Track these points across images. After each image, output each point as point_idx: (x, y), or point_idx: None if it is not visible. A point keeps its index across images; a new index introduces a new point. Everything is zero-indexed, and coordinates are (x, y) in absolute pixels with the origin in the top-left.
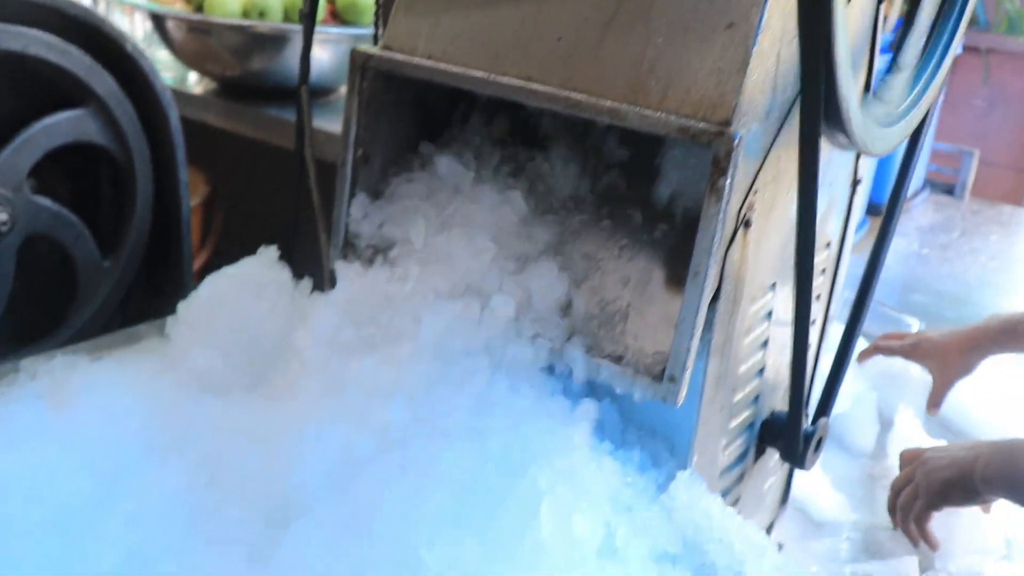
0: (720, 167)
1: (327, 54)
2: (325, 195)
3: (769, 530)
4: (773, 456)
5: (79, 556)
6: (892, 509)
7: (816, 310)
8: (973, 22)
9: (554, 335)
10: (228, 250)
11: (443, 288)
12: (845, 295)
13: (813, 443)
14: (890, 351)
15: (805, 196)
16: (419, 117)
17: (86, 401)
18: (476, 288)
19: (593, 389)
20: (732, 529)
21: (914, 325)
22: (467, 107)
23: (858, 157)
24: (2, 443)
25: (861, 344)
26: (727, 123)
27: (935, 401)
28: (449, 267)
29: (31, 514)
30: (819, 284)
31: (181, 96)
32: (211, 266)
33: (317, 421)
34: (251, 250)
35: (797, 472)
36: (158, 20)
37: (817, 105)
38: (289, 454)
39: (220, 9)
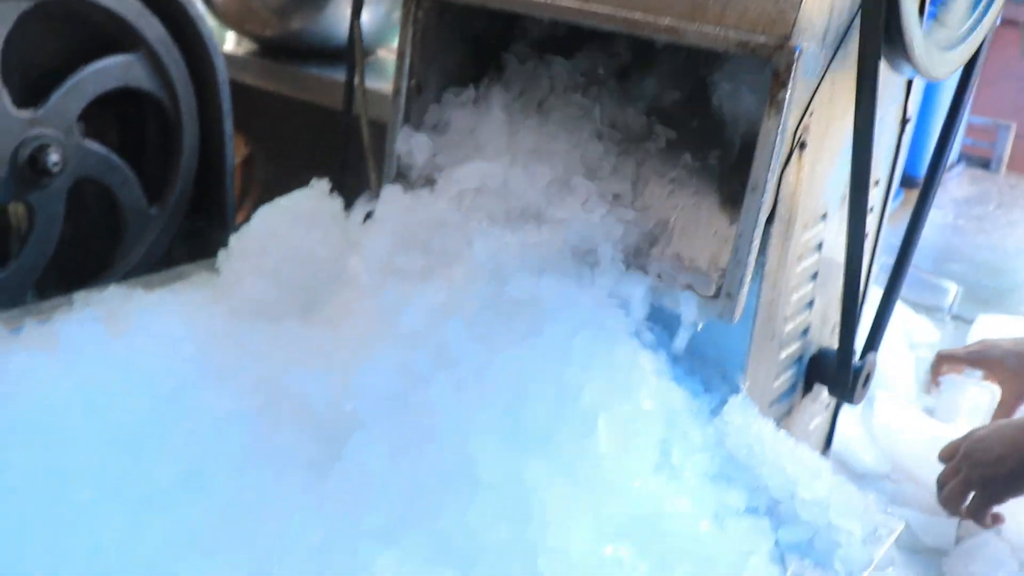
0: (780, 80)
1: (367, 15)
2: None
3: None
4: (820, 394)
5: (140, 471)
6: (944, 503)
7: (865, 248)
8: None
9: (611, 256)
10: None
11: (498, 213)
12: (883, 260)
13: (862, 378)
14: (955, 360)
15: (863, 118)
16: (471, 50)
17: (141, 328)
18: (532, 212)
19: (649, 314)
20: (784, 452)
21: (951, 289)
22: (519, 42)
23: (908, 94)
24: (63, 364)
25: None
26: (787, 38)
27: (1004, 415)
28: (503, 193)
29: (92, 431)
30: (869, 222)
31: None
32: None
33: (372, 341)
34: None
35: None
36: None
37: (877, 24)
38: (345, 374)
39: None
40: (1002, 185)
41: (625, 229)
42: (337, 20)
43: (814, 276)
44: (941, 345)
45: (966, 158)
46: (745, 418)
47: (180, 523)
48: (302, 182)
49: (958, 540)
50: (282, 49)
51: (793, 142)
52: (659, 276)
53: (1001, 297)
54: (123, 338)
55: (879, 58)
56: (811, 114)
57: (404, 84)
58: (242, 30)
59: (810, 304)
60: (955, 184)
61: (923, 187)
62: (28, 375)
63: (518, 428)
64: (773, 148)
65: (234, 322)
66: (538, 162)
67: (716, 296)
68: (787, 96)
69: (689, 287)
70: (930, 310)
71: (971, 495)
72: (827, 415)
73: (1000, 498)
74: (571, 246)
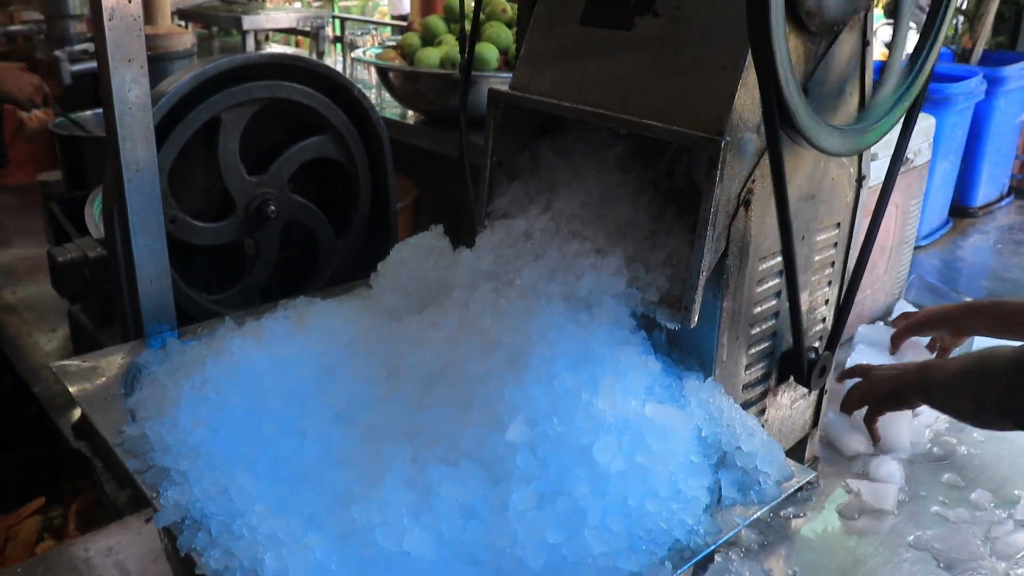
0: (712, 163)
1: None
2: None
3: (803, 444)
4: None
5: (307, 414)
6: (844, 407)
7: (832, 273)
8: None
9: (619, 284)
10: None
11: (547, 248)
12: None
13: (817, 370)
14: (905, 328)
15: (776, 181)
16: (534, 128)
17: (316, 322)
18: (568, 250)
19: (650, 321)
20: (736, 419)
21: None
22: (565, 123)
23: (860, 159)
24: (265, 345)
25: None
26: (721, 134)
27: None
28: (551, 233)
29: (279, 388)
30: (832, 254)
31: (400, 125)
32: None
33: (456, 332)
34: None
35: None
36: (383, 72)
37: (774, 115)
38: (437, 353)
39: (425, 62)
40: None
41: (631, 264)
42: (480, 97)
43: (778, 293)
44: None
45: (1016, 191)
46: (711, 395)
47: (329, 445)
48: (454, 217)
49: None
50: (441, 120)
51: (739, 201)
52: (650, 298)
53: None
54: (304, 330)
55: (779, 139)
56: (754, 181)
57: (489, 160)
58: (414, 106)
59: (776, 314)
60: (1003, 213)
61: (880, 195)
62: (244, 351)
63: (551, 371)
64: (710, 210)
65: (375, 320)
66: (575, 214)
67: (678, 309)
68: (717, 174)
69: (663, 303)
70: None
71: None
72: (811, 398)
73: (880, 409)
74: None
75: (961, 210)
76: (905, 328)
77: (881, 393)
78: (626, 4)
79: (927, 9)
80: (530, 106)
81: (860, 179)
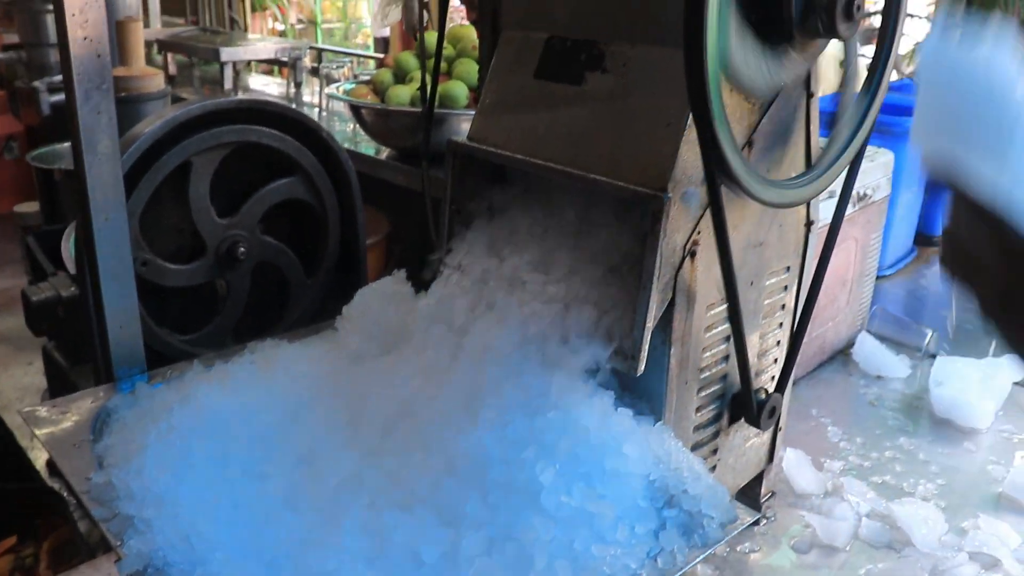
0: (656, 217)
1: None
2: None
3: (759, 480)
4: None
5: (273, 457)
6: None
7: (783, 314)
8: None
9: (571, 331)
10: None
11: (502, 296)
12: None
13: (766, 411)
14: None
15: (717, 231)
16: (493, 176)
17: (281, 366)
18: (522, 297)
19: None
20: (684, 462)
21: (928, 333)
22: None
23: (808, 205)
24: (230, 390)
25: (880, 348)
26: (664, 189)
27: None
28: (506, 281)
29: (243, 432)
30: (783, 297)
31: (373, 161)
32: None
33: (416, 376)
34: (420, 270)
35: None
36: (356, 110)
37: (712, 168)
38: (398, 391)
39: (395, 100)
40: None
41: (581, 313)
42: (451, 133)
43: (727, 338)
44: (909, 381)
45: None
46: (659, 439)
47: (291, 490)
48: (422, 251)
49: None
50: (413, 155)
51: (684, 252)
52: (602, 347)
53: (977, 339)
54: (269, 374)
55: (719, 194)
56: (699, 232)
57: (447, 208)
58: (386, 142)
59: (726, 358)
60: None
61: (827, 237)
62: (209, 397)
63: (504, 433)
64: (654, 262)
65: (339, 364)
66: (526, 258)
67: (626, 358)
68: (661, 228)
69: (613, 351)
70: (909, 349)
71: None
72: (765, 436)
73: None
74: (551, 323)
75: (925, 239)
76: None
77: None
78: (577, 60)
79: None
80: (485, 157)
81: (808, 224)
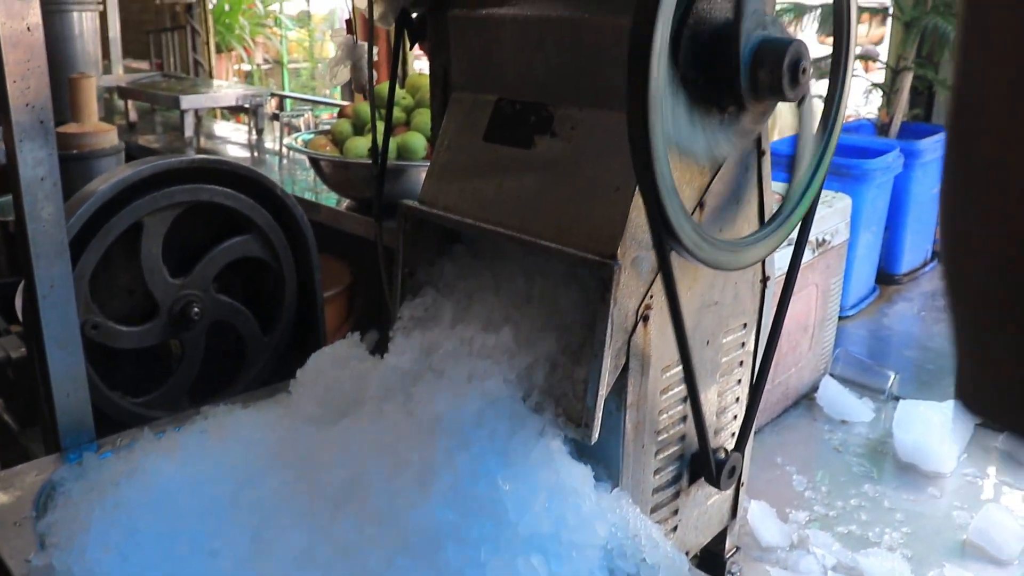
0: (606, 285)
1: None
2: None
3: (723, 536)
4: None
5: (223, 531)
6: None
7: (742, 371)
8: None
9: (524, 398)
10: (367, 323)
11: (454, 362)
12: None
13: (726, 471)
14: None
15: (668, 292)
16: (443, 237)
17: (233, 433)
18: (475, 364)
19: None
20: (641, 529)
21: (891, 375)
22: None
23: (763, 263)
24: (179, 461)
25: (843, 392)
26: (614, 256)
27: None
28: (458, 344)
29: (192, 506)
30: (739, 354)
31: (333, 212)
32: None
33: (369, 447)
34: (383, 323)
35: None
36: (315, 162)
37: (659, 233)
38: (354, 459)
39: (353, 152)
40: None
41: (534, 377)
42: (408, 184)
43: (684, 399)
44: (873, 424)
45: (938, 256)
46: (616, 506)
47: (240, 565)
48: (383, 302)
49: None
50: (371, 205)
51: (637, 317)
52: (555, 414)
53: (939, 380)
54: (221, 442)
55: (668, 259)
56: (652, 296)
57: (399, 271)
58: (345, 193)
59: (684, 418)
60: (927, 279)
61: (784, 285)
62: (159, 467)
63: (458, 506)
64: (605, 330)
65: (292, 431)
66: (474, 325)
67: (579, 425)
68: (611, 296)
69: (567, 418)
70: (872, 392)
71: None
72: (727, 493)
73: None
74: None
75: (887, 277)
76: None
77: None
78: (526, 123)
79: None
80: (436, 221)
81: (764, 280)
